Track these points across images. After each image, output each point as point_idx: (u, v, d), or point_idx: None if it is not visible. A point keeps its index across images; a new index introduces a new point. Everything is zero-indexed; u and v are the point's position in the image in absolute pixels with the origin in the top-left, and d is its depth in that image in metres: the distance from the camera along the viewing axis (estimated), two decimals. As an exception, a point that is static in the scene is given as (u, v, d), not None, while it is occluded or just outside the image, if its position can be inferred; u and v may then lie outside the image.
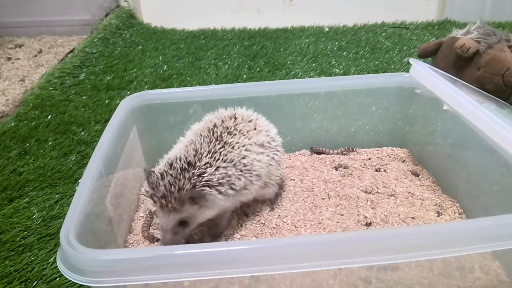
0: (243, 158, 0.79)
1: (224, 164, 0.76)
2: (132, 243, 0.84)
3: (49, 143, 1.21)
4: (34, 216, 0.92)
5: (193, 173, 0.73)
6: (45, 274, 0.78)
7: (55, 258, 0.74)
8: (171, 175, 0.73)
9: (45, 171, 1.08)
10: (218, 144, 0.78)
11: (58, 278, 0.77)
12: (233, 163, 0.78)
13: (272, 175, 0.87)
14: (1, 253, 0.83)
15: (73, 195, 0.67)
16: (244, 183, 0.78)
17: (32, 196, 0.99)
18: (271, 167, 0.85)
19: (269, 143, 0.86)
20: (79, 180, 0.84)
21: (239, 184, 0.77)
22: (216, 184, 0.74)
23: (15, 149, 1.18)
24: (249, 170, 0.80)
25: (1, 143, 1.21)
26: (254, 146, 0.82)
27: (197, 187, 0.73)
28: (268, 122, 0.91)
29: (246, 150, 0.81)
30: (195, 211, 0.74)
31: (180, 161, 0.75)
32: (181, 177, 0.73)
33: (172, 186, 0.72)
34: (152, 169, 0.76)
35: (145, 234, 0.85)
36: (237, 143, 0.80)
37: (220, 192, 0.75)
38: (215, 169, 0.75)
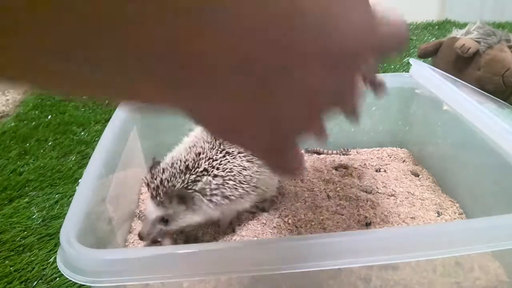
0: (243, 169, 0.79)
1: (223, 174, 0.76)
2: (132, 242, 0.84)
3: (49, 143, 1.21)
4: (34, 216, 0.92)
5: (188, 177, 0.74)
6: (45, 274, 0.78)
7: (55, 258, 0.74)
8: (170, 172, 0.74)
9: (45, 171, 1.08)
10: (220, 153, 0.78)
11: (58, 278, 0.77)
12: (233, 173, 0.77)
13: (270, 184, 0.86)
14: (1, 253, 0.83)
15: (73, 195, 0.66)
16: (241, 194, 0.78)
17: (32, 196, 0.99)
18: (271, 177, 0.85)
19: None
20: (79, 180, 0.84)
21: (235, 194, 0.77)
22: (209, 194, 0.75)
23: (15, 149, 1.18)
24: (248, 182, 0.79)
25: (1, 143, 1.21)
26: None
27: (189, 189, 0.73)
28: None
29: (248, 161, 0.80)
30: (180, 211, 0.74)
31: (180, 162, 0.75)
32: (177, 176, 0.74)
33: (167, 181, 0.73)
34: (160, 160, 0.78)
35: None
36: (239, 153, 0.79)
37: (211, 201, 0.75)
38: (212, 178, 0.75)
